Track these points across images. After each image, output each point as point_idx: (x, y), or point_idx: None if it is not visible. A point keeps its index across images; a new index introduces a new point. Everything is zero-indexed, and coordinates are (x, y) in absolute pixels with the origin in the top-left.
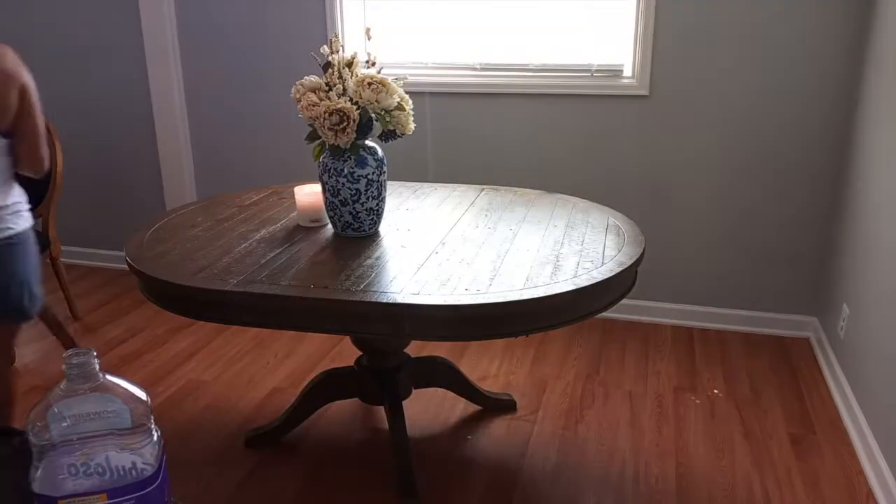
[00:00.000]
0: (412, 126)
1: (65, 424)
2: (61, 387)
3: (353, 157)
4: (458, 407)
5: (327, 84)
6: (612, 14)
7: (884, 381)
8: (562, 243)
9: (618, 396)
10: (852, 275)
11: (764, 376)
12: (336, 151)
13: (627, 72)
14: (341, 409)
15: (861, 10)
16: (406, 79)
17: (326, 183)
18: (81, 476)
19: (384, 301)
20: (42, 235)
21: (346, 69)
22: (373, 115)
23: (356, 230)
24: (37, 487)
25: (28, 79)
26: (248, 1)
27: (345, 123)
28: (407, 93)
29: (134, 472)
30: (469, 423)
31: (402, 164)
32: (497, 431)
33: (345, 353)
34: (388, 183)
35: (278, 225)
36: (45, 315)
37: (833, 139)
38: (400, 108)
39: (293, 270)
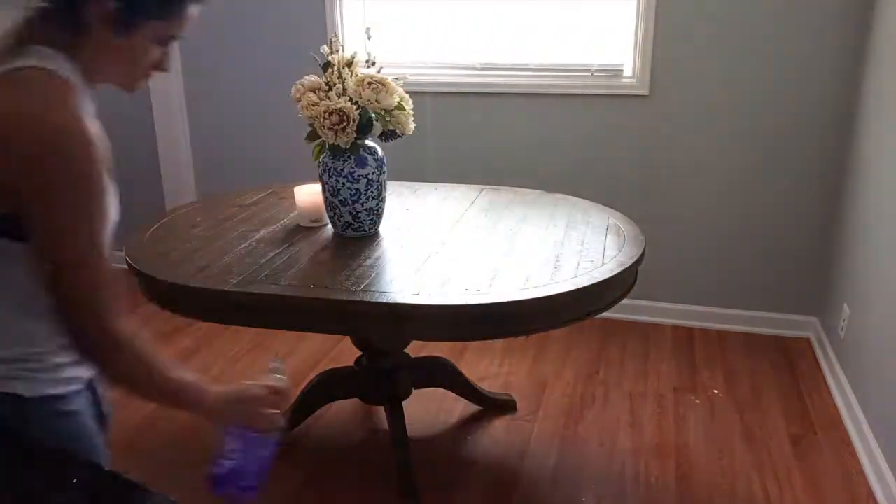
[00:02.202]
0: (412, 126)
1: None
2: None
3: (353, 157)
4: (458, 407)
5: (327, 84)
6: (612, 14)
7: (884, 381)
8: (562, 243)
9: (618, 396)
10: (852, 275)
11: (764, 376)
12: (336, 151)
13: (627, 72)
14: (341, 409)
15: (861, 9)
16: (406, 78)
17: (326, 183)
18: None
19: (384, 301)
20: None
21: (346, 69)
22: (373, 115)
23: (356, 230)
24: None
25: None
26: (248, 1)
27: (345, 123)
28: (407, 93)
29: None
30: (469, 423)
31: (402, 164)
32: (497, 431)
33: (345, 353)
34: (388, 183)
35: (278, 225)
36: None
37: (833, 138)
38: (400, 107)
39: (293, 270)
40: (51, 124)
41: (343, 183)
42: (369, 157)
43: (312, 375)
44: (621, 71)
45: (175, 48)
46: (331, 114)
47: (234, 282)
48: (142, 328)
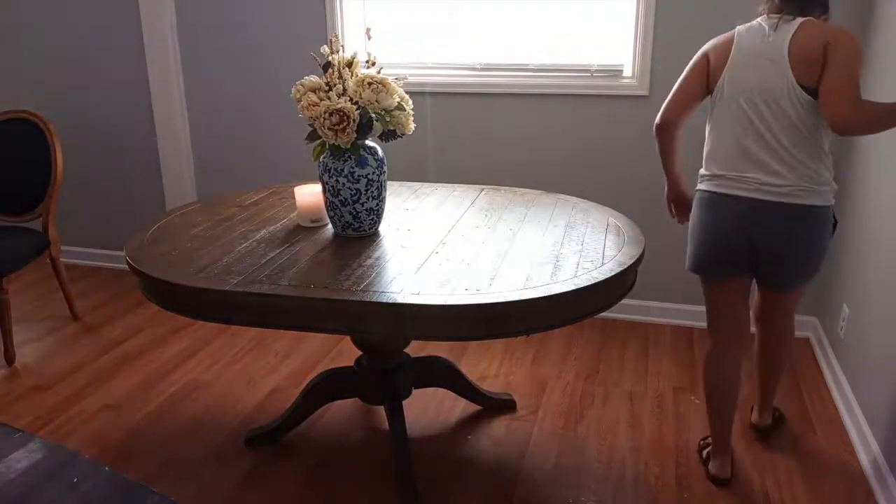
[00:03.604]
0: (412, 126)
1: None
2: None
3: (353, 157)
4: (458, 407)
5: (327, 84)
6: (612, 14)
7: (884, 381)
8: (562, 243)
9: (618, 396)
10: (852, 275)
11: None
12: (336, 151)
13: (627, 72)
14: (341, 409)
15: (861, 10)
16: (406, 79)
17: (327, 183)
18: None
19: (384, 301)
20: (42, 235)
21: (346, 69)
22: (373, 115)
23: (356, 230)
24: None
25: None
26: (248, 1)
27: (345, 123)
28: (407, 93)
29: None
30: (469, 423)
31: (402, 164)
32: (497, 431)
33: (345, 353)
34: (388, 183)
35: (278, 225)
36: None
37: (832, 139)
38: (400, 108)
39: (293, 270)
40: (849, 33)
41: (343, 183)
42: (369, 157)
43: (312, 375)
44: (621, 71)
45: (177, 49)
46: (331, 114)
47: (235, 282)
48: None
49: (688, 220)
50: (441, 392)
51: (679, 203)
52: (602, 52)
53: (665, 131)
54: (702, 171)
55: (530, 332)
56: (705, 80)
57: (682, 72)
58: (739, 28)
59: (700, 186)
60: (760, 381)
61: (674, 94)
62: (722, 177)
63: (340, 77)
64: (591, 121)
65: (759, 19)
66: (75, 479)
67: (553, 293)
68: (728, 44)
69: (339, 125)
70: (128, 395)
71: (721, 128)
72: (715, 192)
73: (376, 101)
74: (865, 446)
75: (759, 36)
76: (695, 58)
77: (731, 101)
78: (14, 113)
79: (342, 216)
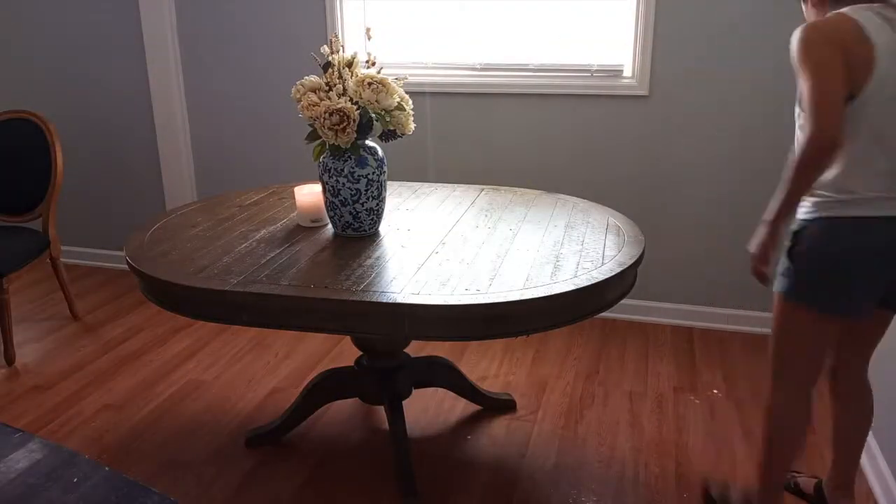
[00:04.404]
0: (412, 126)
1: None
2: None
3: (353, 157)
4: (458, 407)
5: (327, 84)
6: (612, 14)
7: (883, 381)
8: (562, 243)
9: (618, 396)
10: None
11: (763, 376)
12: (336, 151)
13: (627, 72)
14: (341, 409)
15: None
16: (406, 79)
17: (327, 183)
18: None
19: (384, 301)
20: (42, 235)
21: (346, 69)
22: (373, 115)
23: (356, 230)
24: None
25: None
26: (248, 1)
27: (345, 123)
28: (407, 93)
29: None
30: (469, 423)
31: (402, 164)
32: (497, 431)
33: (345, 353)
34: (388, 183)
35: (278, 225)
36: None
37: None
38: (400, 108)
39: (293, 270)
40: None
41: (343, 183)
42: (369, 157)
43: (312, 375)
44: (621, 71)
45: (177, 49)
46: (331, 114)
47: (234, 282)
48: None
49: (771, 274)
50: (441, 392)
51: (771, 250)
52: (602, 52)
53: (838, 150)
54: (831, 193)
55: (530, 332)
56: (847, 83)
57: (682, 71)
58: (857, 18)
59: (830, 213)
60: (845, 455)
61: (829, 103)
62: (877, 199)
63: (340, 77)
64: (591, 121)
65: (868, 11)
66: (75, 479)
67: (553, 293)
68: (859, 36)
69: (339, 125)
70: (128, 395)
71: (869, 140)
72: (862, 217)
73: (376, 101)
74: (865, 446)
75: (887, 30)
76: (825, 52)
77: (886, 109)
78: (14, 113)
79: (342, 216)
